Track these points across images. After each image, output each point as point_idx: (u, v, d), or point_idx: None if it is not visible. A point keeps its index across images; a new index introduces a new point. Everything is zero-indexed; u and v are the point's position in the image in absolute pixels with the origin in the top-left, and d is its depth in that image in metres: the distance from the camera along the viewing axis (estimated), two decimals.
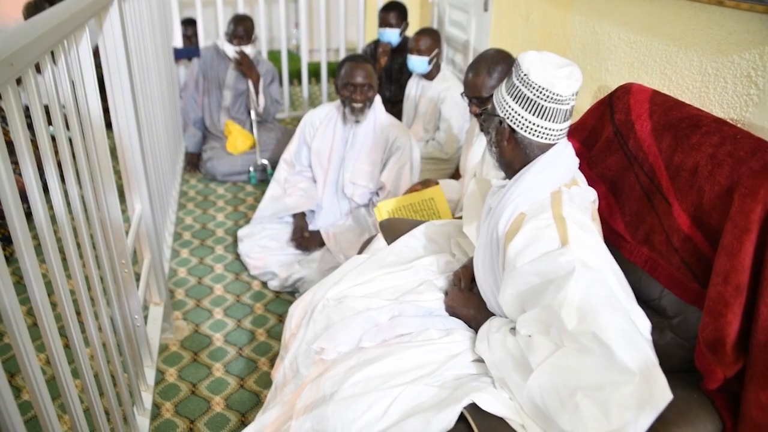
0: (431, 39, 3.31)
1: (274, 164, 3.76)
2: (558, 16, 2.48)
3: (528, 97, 1.36)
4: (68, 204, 1.31)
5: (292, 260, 2.73)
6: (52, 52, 1.27)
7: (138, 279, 2.05)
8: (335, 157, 2.85)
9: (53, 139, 1.25)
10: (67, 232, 1.29)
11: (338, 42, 5.01)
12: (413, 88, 3.54)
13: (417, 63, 3.32)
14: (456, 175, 3.20)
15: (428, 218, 2.41)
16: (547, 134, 1.39)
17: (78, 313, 1.35)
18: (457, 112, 3.29)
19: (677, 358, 1.40)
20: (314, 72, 5.36)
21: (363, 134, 2.78)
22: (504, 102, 1.41)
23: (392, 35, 3.79)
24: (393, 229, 2.04)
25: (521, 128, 1.39)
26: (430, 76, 3.41)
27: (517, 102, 1.38)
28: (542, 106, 1.36)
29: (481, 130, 1.55)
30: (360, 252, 2.19)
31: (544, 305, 1.25)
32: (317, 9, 5.05)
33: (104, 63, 1.82)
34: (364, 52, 4.17)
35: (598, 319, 1.18)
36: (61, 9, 1.33)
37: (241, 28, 3.83)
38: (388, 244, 1.98)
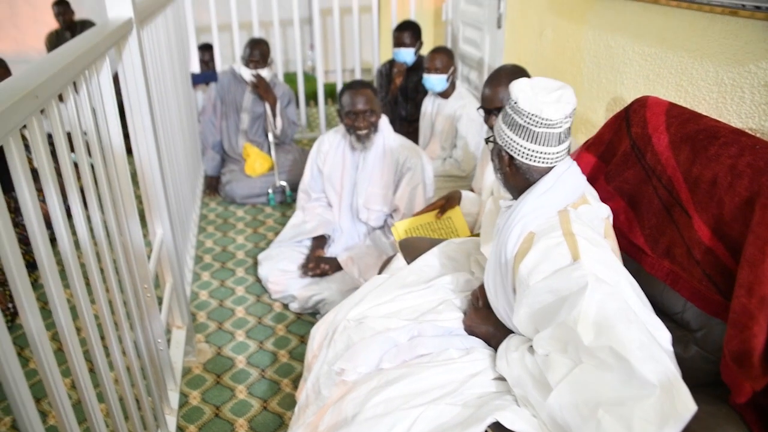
0: (447, 57, 3.33)
1: (292, 185, 3.79)
2: (571, 30, 2.48)
3: (520, 124, 1.39)
4: (91, 230, 1.34)
5: (311, 283, 2.73)
6: (74, 82, 1.30)
7: (160, 303, 2.07)
8: (347, 182, 2.87)
9: (76, 166, 1.28)
10: (90, 258, 1.31)
11: (353, 62, 5.06)
12: (429, 106, 3.55)
13: (435, 81, 3.33)
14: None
15: (446, 236, 2.41)
16: (544, 158, 1.41)
17: (102, 338, 1.37)
18: (474, 129, 3.29)
19: (703, 372, 1.38)
20: (330, 93, 5.41)
21: (373, 158, 2.79)
22: (501, 131, 1.44)
23: (407, 54, 3.81)
24: (413, 248, 2.04)
25: (518, 155, 1.42)
26: (445, 94, 3.42)
27: (511, 130, 1.41)
28: (533, 131, 1.38)
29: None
30: (380, 272, 2.19)
31: (559, 322, 1.25)
32: (332, 30, 5.12)
33: (124, 90, 1.85)
34: (379, 72, 4.20)
35: (614, 333, 1.17)
36: (82, 40, 1.36)
37: (257, 52, 3.88)
38: (408, 263, 1.98)
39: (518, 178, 1.46)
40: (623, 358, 1.14)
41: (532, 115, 1.36)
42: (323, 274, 2.75)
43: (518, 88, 1.39)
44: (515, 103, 1.38)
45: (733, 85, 1.60)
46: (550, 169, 1.42)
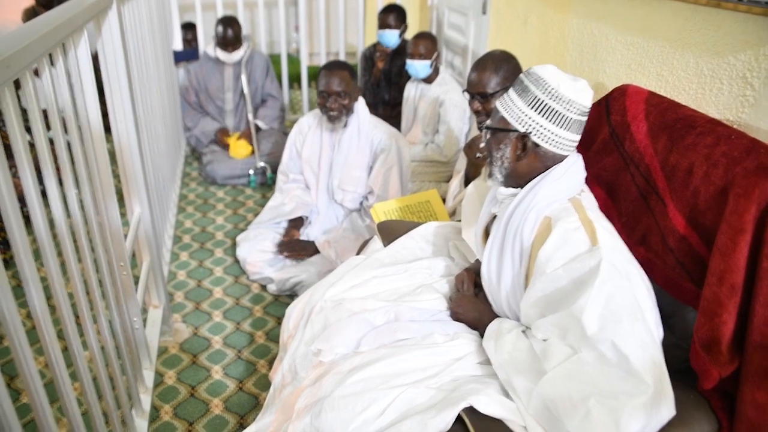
0: (430, 42, 3.32)
1: (273, 167, 3.78)
2: (556, 18, 2.48)
3: (558, 111, 1.37)
4: (67, 208, 1.32)
5: (289, 265, 2.73)
6: (50, 56, 1.28)
7: (137, 282, 2.05)
8: (324, 163, 2.86)
9: (51, 142, 1.26)
10: (65, 236, 1.29)
11: (338, 45, 5.03)
12: (412, 91, 3.54)
13: (419, 67, 3.32)
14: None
15: (425, 219, 2.41)
16: (569, 145, 1.42)
17: (77, 317, 1.35)
18: (457, 115, 3.29)
19: (674, 358, 1.40)
20: (314, 75, 5.37)
21: (348, 140, 2.77)
22: (526, 116, 1.40)
23: (392, 36, 3.80)
24: (390, 231, 2.04)
25: (548, 142, 1.40)
26: (429, 79, 3.41)
27: (543, 116, 1.38)
28: (571, 119, 1.38)
29: (486, 148, 1.52)
30: (358, 253, 2.19)
31: (566, 309, 1.26)
32: (317, 12, 5.06)
33: (103, 67, 1.82)
34: (363, 55, 4.19)
35: (618, 328, 1.19)
36: (59, 12, 1.33)
37: (231, 32, 3.85)
38: (385, 245, 1.98)
39: (534, 166, 1.44)
40: (624, 354, 1.17)
41: (573, 102, 1.36)
42: (296, 257, 2.75)
43: (554, 75, 1.38)
44: (554, 89, 1.36)
45: (712, 76, 1.61)
46: (563, 157, 1.43)
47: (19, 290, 2.37)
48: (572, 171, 1.42)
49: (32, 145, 1.17)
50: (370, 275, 1.77)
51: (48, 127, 1.25)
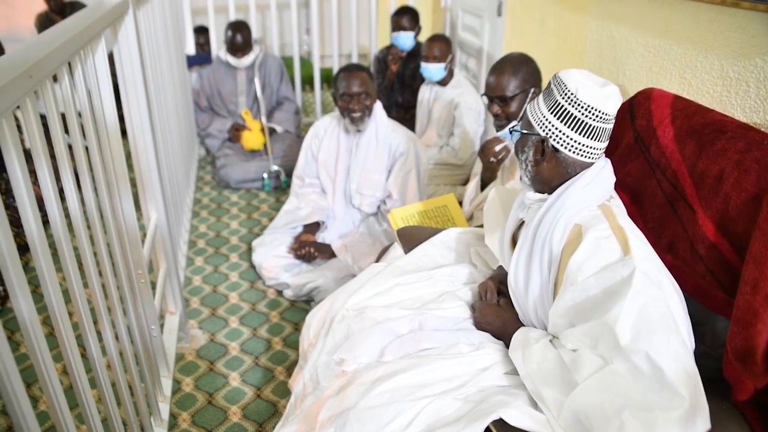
0: (445, 45, 3.30)
1: (287, 170, 3.77)
2: (573, 20, 2.45)
3: (576, 117, 1.35)
4: (85, 212, 1.31)
5: (305, 270, 2.71)
6: (69, 63, 1.27)
7: (154, 288, 2.04)
8: (341, 167, 2.84)
9: (70, 147, 1.25)
10: (84, 241, 1.28)
11: (350, 47, 5.01)
12: (426, 93, 3.52)
13: (433, 70, 3.31)
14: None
15: (443, 225, 2.39)
16: (591, 153, 1.38)
17: (95, 323, 1.34)
18: (471, 117, 3.27)
19: (704, 368, 1.36)
20: (327, 78, 5.36)
21: (366, 143, 2.76)
22: (546, 121, 1.38)
23: (407, 38, 3.78)
24: (411, 237, 2.02)
25: (566, 148, 1.38)
26: (443, 81, 3.39)
27: (562, 121, 1.36)
28: (590, 125, 1.35)
29: (516, 151, 1.50)
30: (378, 260, 2.17)
31: (597, 319, 1.24)
32: (329, 14, 5.06)
33: (119, 71, 1.82)
34: (376, 58, 4.17)
35: (653, 339, 1.17)
36: (77, 20, 1.33)
37: (240, 37, 3.85)
38: (406, 252, 1.96)
39: (556, 172, 1.41)
40: (658, 366, 1.14)
41: (593, 108, 1.33)
42: (310, 257, 2.72)
43: (575, 79, 1.34)
44: (573, 94, 1.34)
45: (738, 79, 1.58)
46: (590, 164, 1.40)
47: (36, 296, 2.37)
48: (601, 177, 1.39)
49: (51, 150, 1.16)
50: (392, 283, 1.75)
51: (66, 131, 1.24)
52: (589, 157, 1.38)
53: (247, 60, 3.92)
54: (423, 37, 3.82)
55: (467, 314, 1.65)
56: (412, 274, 1.78)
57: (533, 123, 1.41)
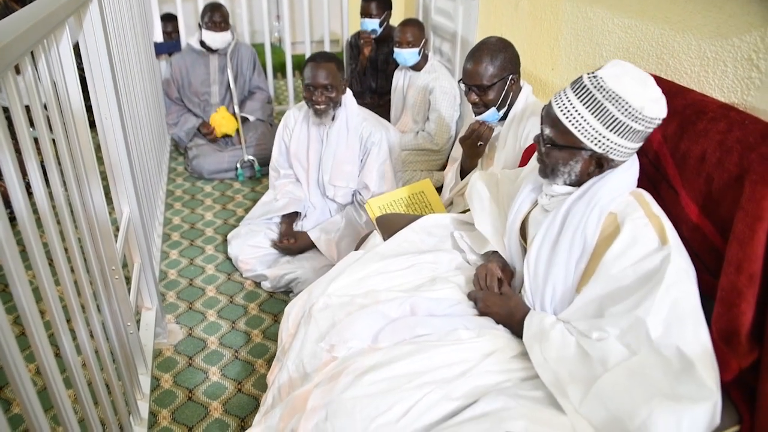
0: (418, 29, 3.26)
1: (260, 160, 3.72)
2: (548, 1, 2.44)
3: (638, 131, 1.34)
4: (54, 207, 1.26)
5: (283, 261, 2.67)
6: (32, 52, 1.22)
7: (128, 283, 1.99)
8: (313, 157, 2.79)
9: (36, 140, 1.20)
10: (53, 237, 1.23)
11: (322, 33, 4.95)
12: (401, 79, 3.49)
13: (407, 55, 3.27)
14: (446, 166, 3.16)
15: (421, 212, 2.37)
16: (630, 153, 1.40)
17: (68, 321, 1.30)
18: (447, 102, 3.24)
19: None
20: (298, 65, 5.29)
21: (336, 133, 2.70)
22: (604, 138, 1.34)
23: (372, 25, 3.74)
24: (390, 225, 2.00)
25: (621, 156, 1.38)
26: (417, 66, 3.36)
27: (621, 136, 1.34)
28: (647, 133, 1.36)
29: (541, 161, 1.47)
30: (357, 249, 2.14)
31: (629, 311, 1.24)
32: (299, 0, 4.98)
33: (86, 61, 1.76)
34: (348, 43, 4.12)
35: (684, 332, 1.19)
36: (38, 8, 1.26)
37: (218, 14, 3.78)
38: (385, 239, 1.93)
39: (597, 173, 1.41)
40: (689, 360, 1.16)
41: (653, 120, 1.33)
42: (289, 250, 2.68)
43: (633, 90, 1.32)
44: (638, 111, 1.31)
45: (715, 59, 1.58)
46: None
47: (5, 295, 2.30)
48: (634, 165, 1.42)
49: (15, 144, 1.11)
50: (373, 268, 1.72)
51: (31, 124, 1.19)
52: (628, 158, 1.40)
53: (224, 39, 3.82)
54: (395, 20, 3.78)
55: (459, 296, 1.64)
56: (393, 259, 1.76)
57: (583, 139, 1.36)
